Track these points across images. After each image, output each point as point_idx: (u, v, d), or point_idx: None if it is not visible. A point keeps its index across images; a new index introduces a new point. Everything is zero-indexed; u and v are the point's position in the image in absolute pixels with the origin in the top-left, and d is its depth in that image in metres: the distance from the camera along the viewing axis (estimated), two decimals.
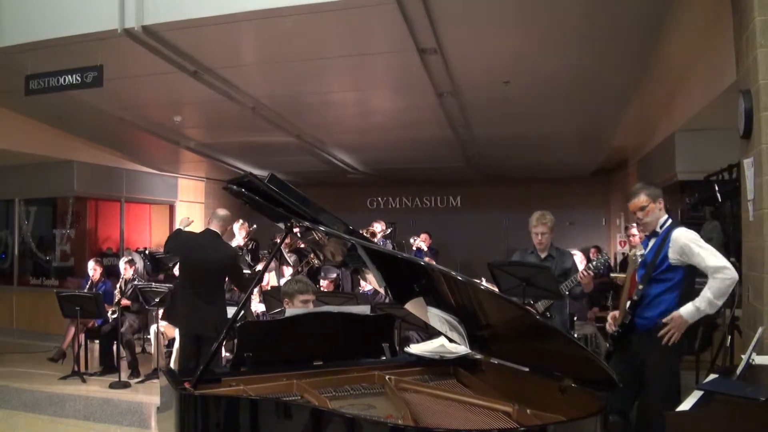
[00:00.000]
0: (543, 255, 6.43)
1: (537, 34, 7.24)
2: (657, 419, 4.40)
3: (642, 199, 4.79)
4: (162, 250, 13.57)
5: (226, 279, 7.72)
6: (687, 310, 4.50)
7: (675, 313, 4.51)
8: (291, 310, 4.70)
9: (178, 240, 7.98)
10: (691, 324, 4.72)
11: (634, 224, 9.25)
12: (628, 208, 5.10)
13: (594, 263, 6.33)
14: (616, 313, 4.98)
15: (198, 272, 7.36)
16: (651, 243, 4.85)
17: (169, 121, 11.10)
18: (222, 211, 7.72)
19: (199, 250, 7.42)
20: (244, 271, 10.52)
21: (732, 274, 4.45)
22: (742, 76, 5.41)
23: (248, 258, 10.89)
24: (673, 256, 4.65)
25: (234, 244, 11.23)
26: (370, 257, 4.02)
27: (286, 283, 5.49)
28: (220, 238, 7.56)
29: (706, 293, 4.46)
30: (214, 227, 7.54)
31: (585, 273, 6.03)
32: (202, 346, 7.12)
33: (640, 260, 4.49)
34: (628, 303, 4.89)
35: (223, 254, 7.45)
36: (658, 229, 4.79)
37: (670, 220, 4.81)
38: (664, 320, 4.55)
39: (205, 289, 7.30)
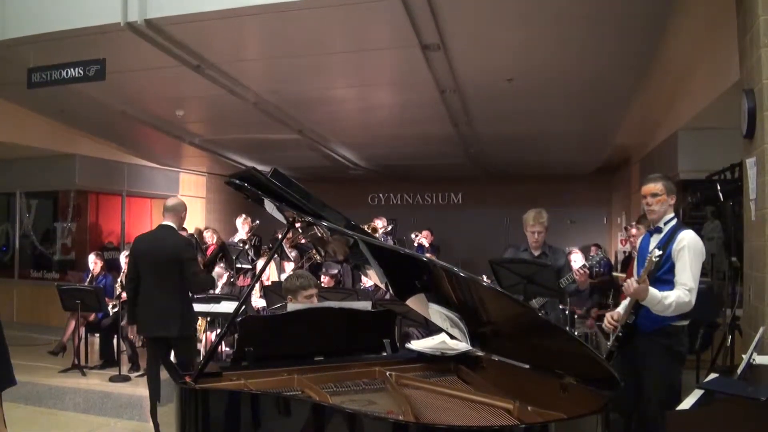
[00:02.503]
0: (536, 253, 6.41)
1: (541, 32, 7.24)
2: (654, 422, 4.41)
3: (659, 186, 4.74)
4: None
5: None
6: (653, 294, 4.45)
7: (645, 285, 4.44)
8: (293, 305, 4.69)
9: (133, 245, 7.48)
10: (690, 324, 4.74)
11: (634, 223, 9.25)
12: (637, 195, 5.07)
13: (590, 261, 6.32)
14: (614, 313, 4.96)
15: (150, 272, 6.79)
16: (653, 240, 4.83)
17: (172, 116, 11.10)
18: (171, 201, 7.06)
19: (150, 248, 6.87)
20: (244, 266, 10.54)
21: (692, 303, 4.48)
22: (746, 76, 5.40)
23: (251, 253, 10.89)
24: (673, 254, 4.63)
25: (237, 239, 11.26)
26: (372, 253, 4.02)
27: (287, 279, 5.41)
28: (172, 230, 6.88)
29: (674, 297, 4.43)
30: (168, 220, 6.88)
31: (581, 271, 6.03)
32: (174, 347, 6.69)
33: (655, 261, 4.44)
34: (626, 302, 4.90)
35: (172, 244, 6.75)
36: (661, 225, 4.75)
37: (675, 220, 4.78)
38: (640, 277, 4.50)
39: (162, 287, 6.69)
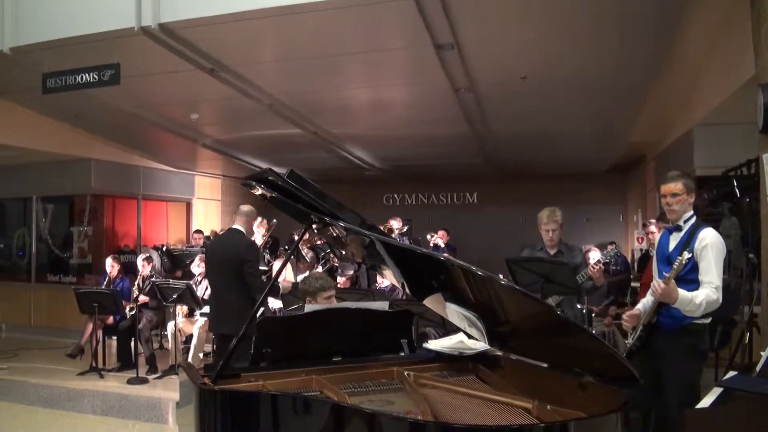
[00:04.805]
0: (552, 251, 6.37)
1: (554, 29, 7.22)
2: (675, 420, 4.39)
3: (679, 186, 4.70)
4: (179, 246, 13.65)
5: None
6: (684, 295, 4.42)
7: (673, 287, 4.42)
8: (311, 306, 4.69)
9: (206, 247, 7.93)
10: (710, 323, 4.71)
11: (652, 221, 9.20)
12: (653, 192, 5.04)
13: (604, 257, 6.30)
14: (633, 312, 4.93)
15: (216, 271, 7.31)
16: (673, 238, 4.80)
17: (187, 119, 11.13)
18: (245, 207, 7.53)
19: (218, 248, 7.39)
20: (261, 268, 10.55)
21: (719, 301, 4.46)
22: (761, 70, 5.37)
23: (267, 255, 10.89)
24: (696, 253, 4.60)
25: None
26: (389, 253, 4.02)
27: (304, 281, 5.40)
28: (239, 233, 7.36)
29: (703, 296, 4.41)
30: (238, 224, 7.38)
31: (596, 267, 5.99)
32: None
33: (685, 263, 4.41)
34: (646, 300, 4.87)
35: (235, 245, 7.21)
36: (681, 223, 4.73)
37: (695, 218, 4.75)
38: (666, 279, 4.47)
39: (224, 286, 7.17)
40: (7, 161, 13.18)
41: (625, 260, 12.67)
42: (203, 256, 10.17)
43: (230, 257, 7.13)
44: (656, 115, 10.86)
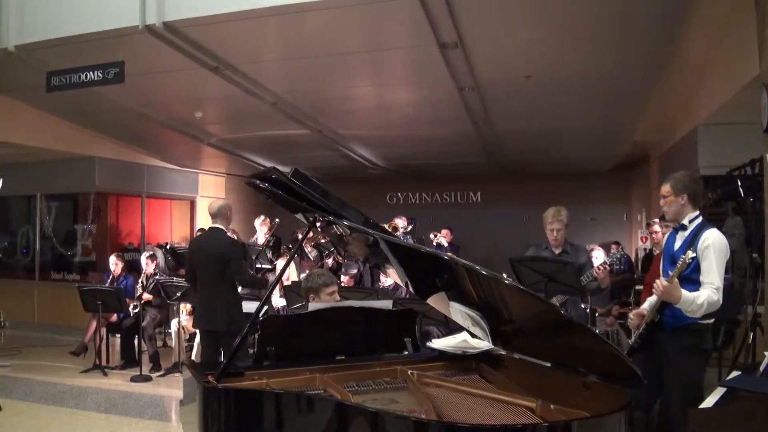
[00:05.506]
0: (557, 251, 6.36)
1: (557, 29, 7.22)
2: (677, 419, 4.38)
3: (666, 188, 4.72)
4: (183, 245, 13.66)
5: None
6: (686, 295, 4.39)
7: (676, 286, 4.42)
8: (314, 305, 4.69)
9: (189, 246, 7.96)
10: (714, 322, 4.71)
11: (656, 220, 9.20)
12: (657, 192, 5.04)
13: (610, 259, 6.28)
14: (640, 310, 4.93)
15: (201, 268, 7.30)
16: (678, 238, 4.79)
17: (191, 117, 11.14)
18: (214, 206, 7.50)
19: (200, 248, 7.42)
20: (264, 266, 10.55)
21: (720, 302, 4.43)
22: (765, 70, 5.37)
23: (269, 254, 10.88)
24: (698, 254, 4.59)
25: (256, 240, 11.26)
26: (392, 251, 4.02)
27: (307, 278, 5.40)
28: (220, 231, 7.37)
29: (705, 297, 4.39)
30: (216, 223, 7.40)
31: (601, 268, 5.98)
32: (221, 342, 7.10)
33: (689, 262, 4.41)
34: (652, 300, 4.87)
35: (218, 244, 7.24)
36: (686, 223, 4.71)
37: (700, 218, 4.73)
38: (669, 277, 4.47)
39: (210, 283, 7.20)
40: (11, 159, 13.17)
41: (628, 259, 12.65)
42: None
43: (213, 257, 7.18)
44: (660, 114, 10.86)
